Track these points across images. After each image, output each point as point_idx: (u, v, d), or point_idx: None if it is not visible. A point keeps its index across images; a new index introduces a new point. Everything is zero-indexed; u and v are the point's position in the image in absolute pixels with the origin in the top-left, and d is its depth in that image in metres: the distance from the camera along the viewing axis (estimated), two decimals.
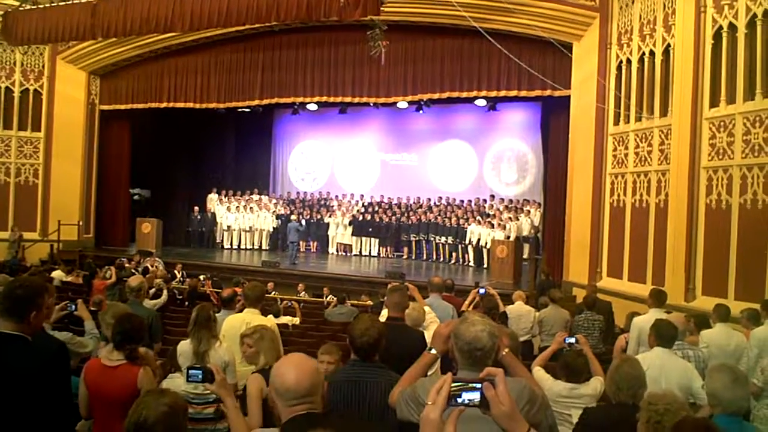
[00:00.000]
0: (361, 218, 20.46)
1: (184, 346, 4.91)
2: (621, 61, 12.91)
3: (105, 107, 19.70)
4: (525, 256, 16.66)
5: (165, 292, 10.41)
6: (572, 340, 5.21)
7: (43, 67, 18.73)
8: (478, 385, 1.74)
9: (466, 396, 1.72)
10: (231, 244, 21.16)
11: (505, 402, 1.74)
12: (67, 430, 3.19)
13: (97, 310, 6.23)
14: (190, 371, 2.93)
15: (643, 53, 12.25)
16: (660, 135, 11.70)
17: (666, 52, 11.68)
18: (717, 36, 10.42)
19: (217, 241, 21.46)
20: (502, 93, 15.99)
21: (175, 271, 14.81)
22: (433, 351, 3.08)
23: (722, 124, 10.26)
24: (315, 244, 21.20)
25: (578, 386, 4.52)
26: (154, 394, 2.69)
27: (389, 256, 20.09)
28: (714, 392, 3.23)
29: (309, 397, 2.26)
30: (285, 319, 9.91)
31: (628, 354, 3.90)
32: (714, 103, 10.46)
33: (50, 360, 3.26)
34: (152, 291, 9.89)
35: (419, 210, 20.23)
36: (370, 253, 20.42)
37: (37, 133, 18.68)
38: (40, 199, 18.69)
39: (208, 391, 3.87)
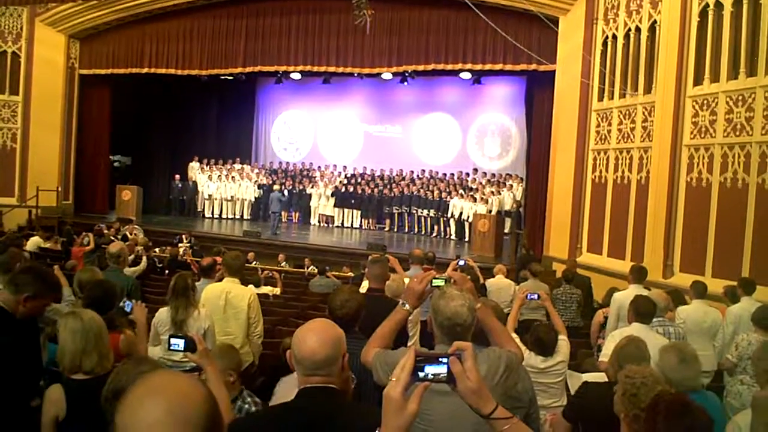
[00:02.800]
0: (343, 190, 20.39)
1: (162, 314, 4.89)
2: (607, 37, 12.87)
3: (85, 72, 19.36)
4: (506, 230, 16.72)
5: (144, 259, 10.36)
6: (534, 296, 5.32)
7: (22, 29, 18.30)
8: (445, 359, 1.67)
9: (430, 369, 1.65)
10: (212, 213, 21.04)
11: (472, 378, 1.68)
12: (33, 397, 3.18)
13: (73, 274, 6.17)
14: (172, 340, 2.90)
15: (629, 29, 12.22)
16: (643, 112, 11.73)
17: (652, 28, 11.66)
18: (703, 14, 10.41)
19: (198, 209, 21.34)
20: (487, 66, 15.90)
21: (183, 236, 14.96)
22: (407, 306, 3.07)
23: (705, 102, 10.29)
24: (297, 214, 21.15)
25: (549, 358, 4.62)
26: (133, 362, 2.67)
27: (371, 228, 20.08)
28: (663, 372, 3.27)
29: (325, 368, 2.16)
30: (266, 289, 9.91)
31: (635, 335, 3.92)
32: (698, 81, 10.48)
33: (20, 328, 3.26)
34: (131, 258, 9.82)
35: (402, 182, 20.20)
36: (352, 224, 20.40)
37: (15, 96, 18.32)
38: (18, 164, 18.39)
39: (186, 360, 3.83)
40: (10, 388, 3.12)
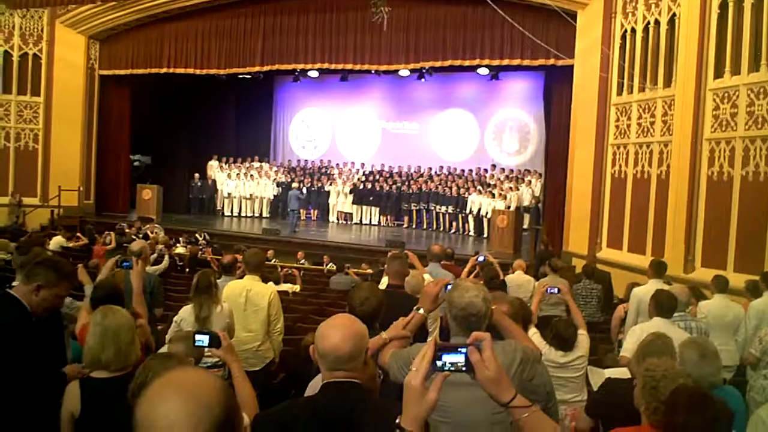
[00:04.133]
0: (361, 187, 20.43)
1: (185, 312, 4.94)
2: (625, 31, 12.76)
3: (104, 72, 19.58)
4: (525, 226, 16.67)
5: (166, 257, 10.45)
6: (554, 290, 5.30)
7: (42, 31, 18.54)
8: (463, 349, 1.69)
9: (448, 358, 1.68)
10: (231, 212, 21.19)
11: (490, 367, 1.69)
12: (58, 393, 3.23)
13: (96, 273, 6.23)
14: (197, 336, 2.92)
15: (648, 22, 12.11)
16: (663, 106, 11.63)
17: (671, 21, 11.55)
18: (723, 6, 10.29)
19: (218, 208, 21.50)
20: (505, 61, 15.84)
21: (197, 235, 15.25)
22: (421, 311, 3.08)
23: (726, 95, 10.19)
24: (315, 212, 21.21)
25: (569, 353, 4.61)
26: (159, 358, 2.71)
27: (389, 224, 20.10)
28: (683, 368, 3.25)
29: (349, 363, 2.19)
30: (285, 287, 9.96)
31: (661, 331, 3.89)
32: (718, 74, 10.37)
33: (44, 324, 3.31)
34: (154, 257, 9.92)
35: (420, 179, 20.19)
36: (370, 221, 20.43)
37: (36, 97, 18.56)
38: (40, 164, 18.65)
39: (209, 355, 3.86)
40: (26, 381, 3.17)
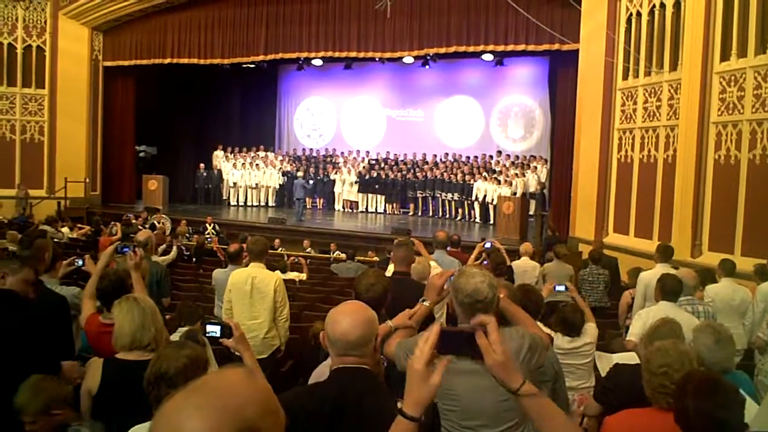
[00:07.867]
0: (367, 175, 20.40)
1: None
2: (631, 14, 12.67)
3: (108, 63, 19.57)
4: (531, 212, 16.63)
5: (175, 248, 10.47)
6: (562, 288, 5.27)
7: (45, 23, 18.54)
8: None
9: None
10: (237, 201, 21.22)
11: (498, 351, 1.65)
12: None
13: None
14: (208, 327, 2.90)
15: (654, 6, 12.01)
16: (669, 89, 11.55)
17: (677, 4, 11.45)
18: None
19: (224, 197, 21.53)
20: (510, 47, 15.76)
21: (207, 224, 15.54)
22: (426, 302, 3.08)
23: (733, 78, 10.11)
24: (321, 200, 21.22)
25: (576, 338, 4.60)
26: (174, 345, 2.71)
27: (395, 212, 20.11)
28: (698, 353, 3.24)
29: (358, 348, 2.21)
30: (292, 275, 9.96)
31: (670, 317, 3.88)
32: (725, 56, 10.28)
33: (51, 313, 3.34)
34: (162, 248, 9.95)
35: (425, 166, 20.16)
36: (376, 209, 20.43)
37: (41, 90, 18.59)
38: (46, 156, 18.72)
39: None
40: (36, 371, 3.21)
